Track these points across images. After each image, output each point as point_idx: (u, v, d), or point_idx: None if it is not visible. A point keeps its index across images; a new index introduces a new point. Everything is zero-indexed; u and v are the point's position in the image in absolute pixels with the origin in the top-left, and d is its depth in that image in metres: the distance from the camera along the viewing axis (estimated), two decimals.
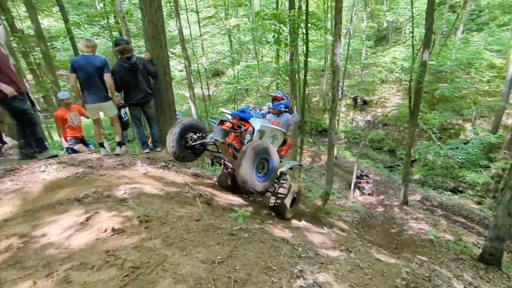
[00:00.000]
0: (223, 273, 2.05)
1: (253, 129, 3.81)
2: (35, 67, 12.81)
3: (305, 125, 20.81)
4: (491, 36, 17.10)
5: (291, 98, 4.67)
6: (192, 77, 22.29)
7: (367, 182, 12.62)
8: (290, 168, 4.77)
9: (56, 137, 11.62)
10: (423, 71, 10.47)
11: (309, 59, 23.97)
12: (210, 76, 28.23)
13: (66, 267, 1.88)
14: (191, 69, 18.94)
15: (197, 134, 4.06)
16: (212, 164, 4.68)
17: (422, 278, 3.20)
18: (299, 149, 11.45)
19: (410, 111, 11.15)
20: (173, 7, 14.58)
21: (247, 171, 3.18)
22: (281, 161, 4.18)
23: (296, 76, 12.27)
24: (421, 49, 10.53)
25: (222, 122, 3.88)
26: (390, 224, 9.88)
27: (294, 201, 4.60)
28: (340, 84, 18.74)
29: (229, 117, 3.97)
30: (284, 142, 4.50)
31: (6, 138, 4.85)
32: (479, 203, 12.29)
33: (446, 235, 9.21)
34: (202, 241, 2.44)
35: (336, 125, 17.31)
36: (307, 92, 18.60)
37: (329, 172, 8.81)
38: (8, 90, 3.63)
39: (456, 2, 19.60)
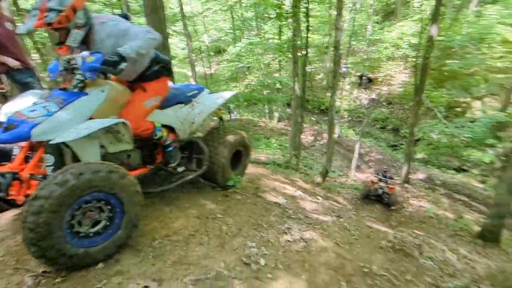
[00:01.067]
0: (216, 227, 2.25)
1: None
2: (40, 46, 12.80)
3: (307, 104, 20.61)
4: (507, 9, 16.29)
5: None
6: (194, 55, 21.98)
7: (391, 187, 8.67)
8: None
9: None
10: (430, 47, 10.14)
11: (312, 36, 23.40)
12: (212, 54, 27.77)
13: None
14: (193, 47, 18.56)
15: None
16: None
17: (411, 244, 3.16)
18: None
19: (415, 88, 10.91)
20: None
21: (42, 238, 1.45)
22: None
23: (299, 53, 11.95)
24: (430, 24, 10.18)
25: None
26: None
27: (239, 157, 3.16)
28: (344, 61, 18.33)
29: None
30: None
31: None
32: (482, 182, 12.19)
33: (447, 213, 9.18)
34: (198, 201, 2.62)
35: (339, 104, 17.08)
36: (310, 70, 18.28)
37: (329, 150, 8.76)
38: (12, 63, 3.72)
39: None
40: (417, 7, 18.94)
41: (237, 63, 19.18)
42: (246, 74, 23.99)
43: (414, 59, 14.02)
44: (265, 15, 20.06)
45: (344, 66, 18.38)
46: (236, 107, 19.86)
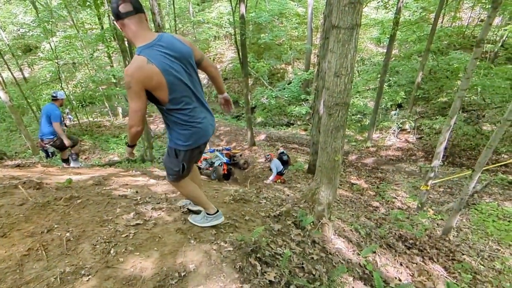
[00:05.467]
0: (54, 237, 2.10)
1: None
2: None
3: None
4: None
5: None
6: None
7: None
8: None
9: None
10: (243, 23, 11.40)
11: None
12: (20, 53, 22.63)
13: None
14: None
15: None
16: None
17: (251, 193, 3.86)
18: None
19: (240, 62, 12.15)
20: None
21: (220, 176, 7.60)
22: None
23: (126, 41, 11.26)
24: (238, 3, 11.36)
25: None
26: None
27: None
28: None
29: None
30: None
31: None
32: (305, 129, 15.28)
33: None
34: (29, 220, 2.36)
35: None
36: None
37: None
38: None
39: None
40: None
41: (55, 61, 16.36)
42: (73, 72, 20.93)
43: (234, 36, 15.56)
44: (77, 2, 17.59)
45: None
46: (71, 111, 17.25)
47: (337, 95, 2.92)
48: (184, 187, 2.24)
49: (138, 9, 1.73)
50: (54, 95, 5.36)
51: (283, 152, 9.18)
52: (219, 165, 8.09)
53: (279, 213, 3.22)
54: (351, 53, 2.76)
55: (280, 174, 8.16)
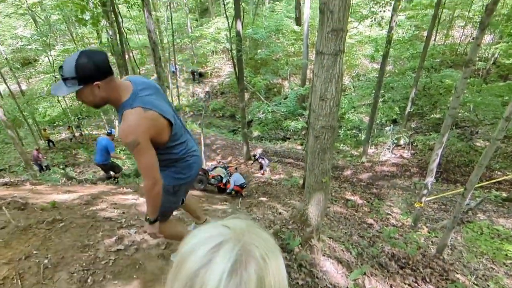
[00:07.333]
0: (31, 265, 2.07)
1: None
2: None
3: None
4: (289, 5, 20.41)
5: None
6: None
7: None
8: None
9: None
10: (239, 40, 11.59)
11: (136, 37, 22.50)
12: (18, 67, 22.82)
13: None
14: None
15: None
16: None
17: (241, 213, 3.84)
18: None
19: (236, 77, 12.27)
20: None
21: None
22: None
23: (126, 56, 11.40)
24: (234, 19, 11.58)
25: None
26: None
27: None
28: (172, 59, 18.65)
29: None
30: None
31: None
32: (301, 144, 15.30)
33: (281, 175, 11.11)
34: (8, 245, 2.31)
35: (178, 101, 17.43)
36: (141, 71, 17.62)
37: None
38: None
39: None
40: (226, 5, 21.20)
41: (52, 74, 16.52)
42: None
43: (231, 52, 15.79)
44: (77, 17, 17.87)
45: (173, 65, 18.68)
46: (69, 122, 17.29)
47: (323, 118, 2.95)
48: (169, 226, 2.05)
49: (111, 68, 1.55)
50: (109, 131, 6.47)
51: (260, 155, 11.13)
52: (228, 180, 8.32)
53: None
54: (335, 78, 2.80)
55: (241, 187, 8.05)
